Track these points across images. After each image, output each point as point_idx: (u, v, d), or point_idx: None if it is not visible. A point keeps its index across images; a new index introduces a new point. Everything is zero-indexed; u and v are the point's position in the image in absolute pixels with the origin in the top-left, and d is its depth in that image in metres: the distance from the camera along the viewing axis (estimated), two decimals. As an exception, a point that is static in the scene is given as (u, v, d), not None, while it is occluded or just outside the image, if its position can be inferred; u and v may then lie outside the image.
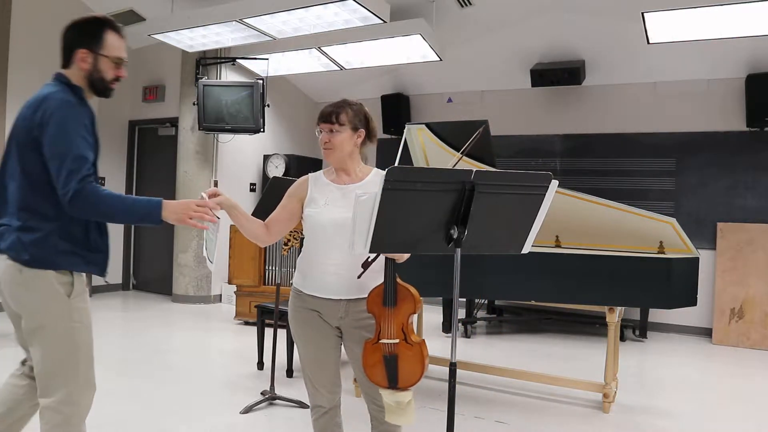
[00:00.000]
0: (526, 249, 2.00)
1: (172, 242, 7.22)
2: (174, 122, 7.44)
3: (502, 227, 1.95)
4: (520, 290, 3.76)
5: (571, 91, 6.82)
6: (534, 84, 6.60)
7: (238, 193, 7.29)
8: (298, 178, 2.38)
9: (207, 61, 7.00)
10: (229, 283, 6.34)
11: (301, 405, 3.66)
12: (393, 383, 2.12)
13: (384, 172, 1.69)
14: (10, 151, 2.03)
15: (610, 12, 5.57)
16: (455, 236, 1.82)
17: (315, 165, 7.67)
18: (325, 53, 6.58)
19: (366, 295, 2.16)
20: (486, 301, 6.70)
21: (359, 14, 5.15)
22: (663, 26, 5.00)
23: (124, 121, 7.93)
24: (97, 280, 6.86)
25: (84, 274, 2.08)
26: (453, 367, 1.90)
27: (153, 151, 7.93)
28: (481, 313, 6.63)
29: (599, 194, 3.89)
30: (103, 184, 2.25)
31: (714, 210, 6.21)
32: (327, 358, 2.27)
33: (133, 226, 7.85)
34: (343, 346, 2.31)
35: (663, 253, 3.72)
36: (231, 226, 5.70)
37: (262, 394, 3.82)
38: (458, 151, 3.99)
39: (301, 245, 2.34)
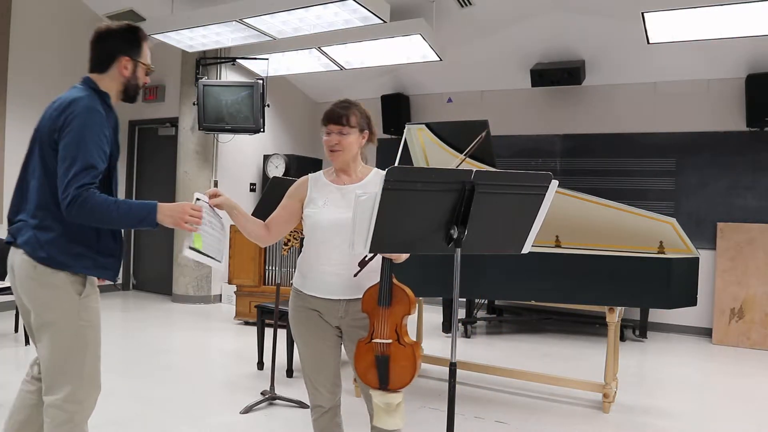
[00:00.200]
0: (526, 249, 2.00)
1: (172, 242, 7.22)
2: (174, 122, 7.44)
3: (502, 227, 1.95)
4: (520, 290, 3.76)
5: (571, 91, 6.81)
6: (534, 84, 6.60)
7: (238, 193, 7.29)
8: (298, 178, 2.38)
9: (207, 61, 7.00)
10: (229, 283, 6.34)
11: (301, 405, 3.66)
12: (384, 384, 2.12)
13: (384, 172, 1.69)
14: (33, 148, 2.08)
15: (610, 12, 5.57)
16: (455, 236, 1.82)
17: (315, 165, 7.67)
18: (325, 53, 6.58)
19: (365, 295, 2.16)
20: (486, 301, 6.70)
21: (359, 14, 5.15)
22: (663, 26, 5.00)
23: (124, 121, 7.92)
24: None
25: None
26: (453, 367, 1.90)
27: (153, 151, 7.93)
28: (481, 313, 6.63)
29: (599, 194, 3.89)
30: None
31: (714, 210, 6.21)
32: (327, 357, 2.28)
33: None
34: (343, 346, 2.31)
35: (663, 253, 3.72)
36: (231, 226, 5.69)
37: (262, 394, 3.82)
38: (459, 152, 3.99)
39: (301, 245, 2.34)
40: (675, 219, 3.73)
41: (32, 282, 2.01)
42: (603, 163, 6.75)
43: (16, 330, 5.22)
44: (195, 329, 5.98)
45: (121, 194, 6.43)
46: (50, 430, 2.01)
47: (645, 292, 3.55)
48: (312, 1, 4.94)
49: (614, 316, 3.66)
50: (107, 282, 2.20)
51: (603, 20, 5.75)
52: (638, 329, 6.10)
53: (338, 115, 2.18)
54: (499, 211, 1.89)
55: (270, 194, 3.25)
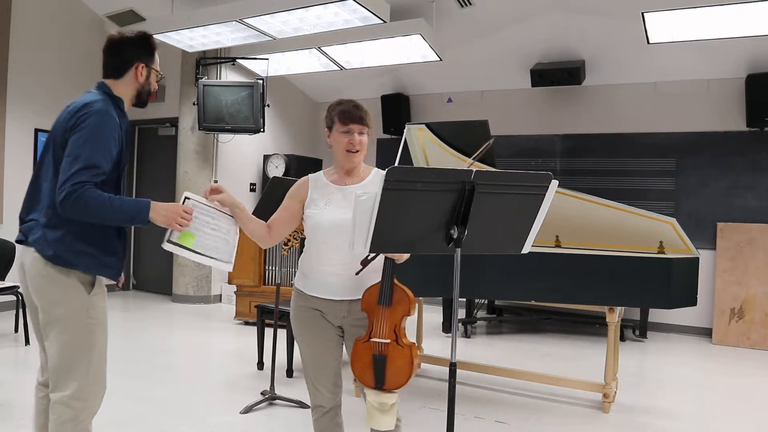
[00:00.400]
0: (526, 249, 2.00)
1: (172, 242, 7.21)
2: (174, 122, 7.44)
3: (502, 227, 1.95)
4: (520, 290, 3.76)
5: (571, 91, 6.82)
6: (534, 84, 6.60)
7: (238, 193, 7.24)
8: (298, 178, 2.38)
9: (207, 61, 7.00)
10: (229, 283, 6.34)
11: (301, 405, 3.66)
12: (379, 383, 2.13)
13: (384, 172, 1.69)
14: (47, 150, 2.12)
15: (610, 12, 5.57)
16: (455, 236, 1.82)
17: (315, 165, 7.67)
18: (325, 53, 6.58)
19: (366, 295, 2.16)
20: (486, 301, 6.71)
21: (359, 14, 5.15)
22: (663, 26, 5.00)
23: (124, 121, 7.93)
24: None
25: None
26: (453, 367, 1.90)
27: (153, 151, 7.94)
28: (481, 313, 6.63)
29: (599, 194, 3.89)
30: None
31: (714, 210, 6.21)
32: (328, 357, 2.28)
33: (132, 226, 7.86)
34: (344, 345, 2.31)
35: (663, 253, 3.72)
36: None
37: (262, 394, 3.82)
38: (459, 152, 4.01)
39: (302, 245, 2.34)
40: (675, 219, 3.73)
41: (42, 279, 2.03)
42: (603, 163, 6.75)
43: (16, 330, 5.22)
44: (195, 329, 5.97)
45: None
46: (55, 426, 2.03)
47: (645, 292, 3.55)
48: (312, 1, 4.95)
49: (614, 316, 3.66)
50: (110, 281, 2.21)
51: (603, 20, 5.75)
52: (638, 329, 6.10)
53: (358, 115, 2.17)
54: (499, 211, 1.89)
55: (270, 194, 3.25)
